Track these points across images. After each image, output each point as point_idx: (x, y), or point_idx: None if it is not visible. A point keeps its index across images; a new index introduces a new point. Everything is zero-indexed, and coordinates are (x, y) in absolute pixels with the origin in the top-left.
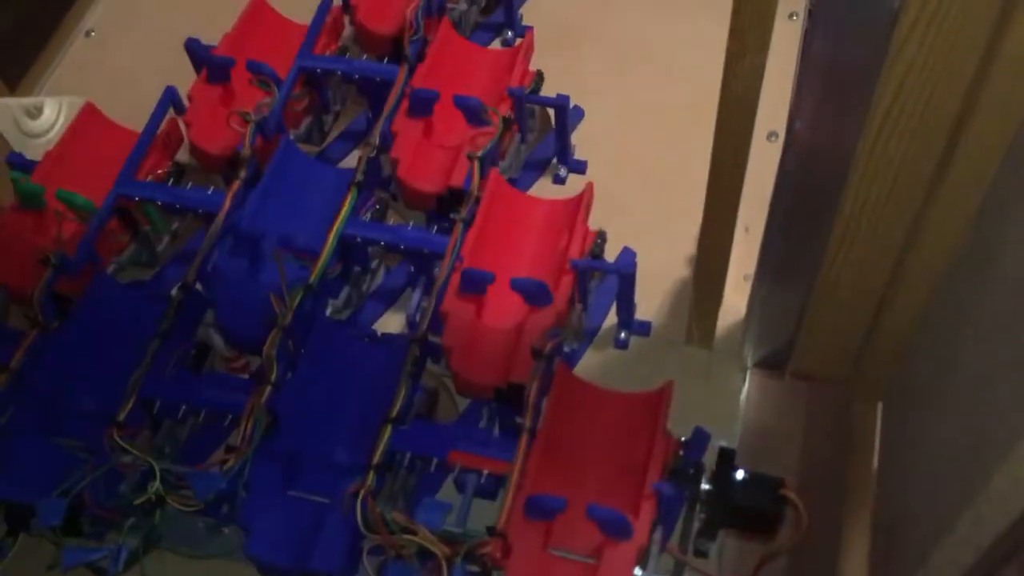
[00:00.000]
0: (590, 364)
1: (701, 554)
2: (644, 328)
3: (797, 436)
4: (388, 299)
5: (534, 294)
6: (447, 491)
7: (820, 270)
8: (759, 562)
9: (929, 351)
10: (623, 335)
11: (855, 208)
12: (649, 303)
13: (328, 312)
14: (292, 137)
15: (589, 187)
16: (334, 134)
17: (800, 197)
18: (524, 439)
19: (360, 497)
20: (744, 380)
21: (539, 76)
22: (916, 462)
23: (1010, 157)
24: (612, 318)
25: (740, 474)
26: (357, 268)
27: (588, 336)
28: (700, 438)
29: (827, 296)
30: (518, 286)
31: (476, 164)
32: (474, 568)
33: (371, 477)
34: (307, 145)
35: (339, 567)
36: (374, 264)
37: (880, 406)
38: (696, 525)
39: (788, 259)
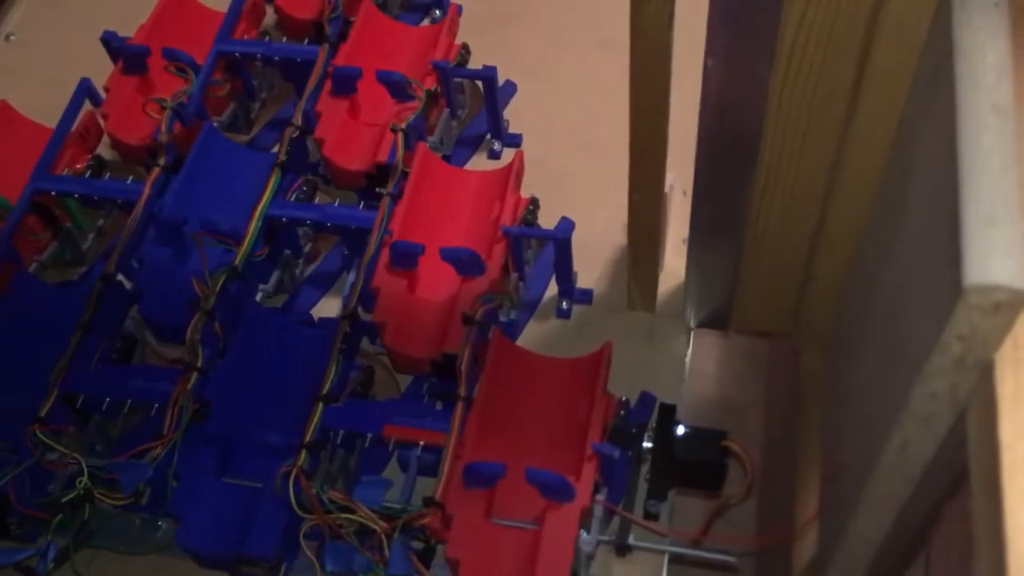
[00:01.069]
0: (533, 335)
1: (652, 516)
2: (586, 296)
3: (745, 394)
4: (324, 284)
5: (465, 263)
6: (393, 473)
7: (747, 224)
8: (709, 517)
9: (858, 293)
10: (565, 304)
11: (773, 155)
12: (590, 272)
13: (258, 298)
14: (216, 125)
15: (518, 155)
16: (262, 122)
17: (722, 150)
18: (459, 407)
19: (292, 477)
20: (688, 342)
21: (465, 49)
22: (849, 404)
23: (917, 81)
24: (554, 289)
25: (681, 429)
26: (287, 252)
27: (529, 307)
28: (646, 401)
29: (757, 249)
30: (448, 256)
31: (400, 137)
32: (418, 544)
33: (303, 456)
34: (234, 133)
35: (275, 551)
36: (306, 248)
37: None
38: (643, 485)
39: (718, 216)
